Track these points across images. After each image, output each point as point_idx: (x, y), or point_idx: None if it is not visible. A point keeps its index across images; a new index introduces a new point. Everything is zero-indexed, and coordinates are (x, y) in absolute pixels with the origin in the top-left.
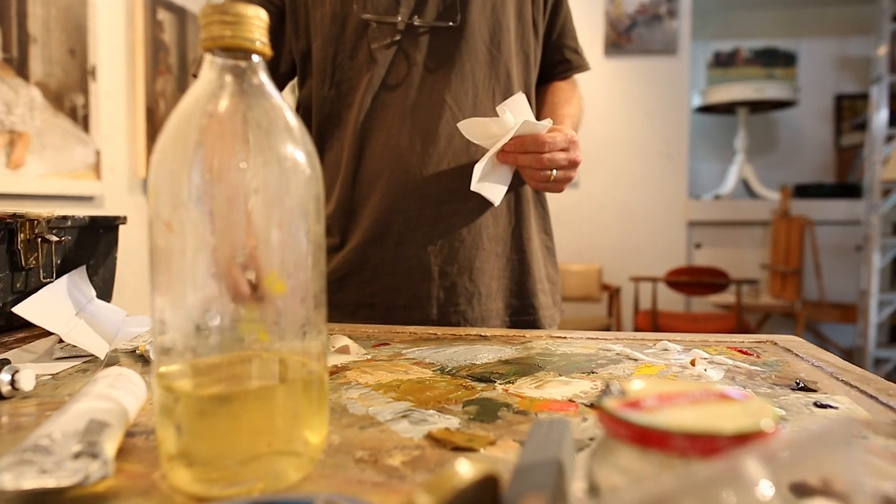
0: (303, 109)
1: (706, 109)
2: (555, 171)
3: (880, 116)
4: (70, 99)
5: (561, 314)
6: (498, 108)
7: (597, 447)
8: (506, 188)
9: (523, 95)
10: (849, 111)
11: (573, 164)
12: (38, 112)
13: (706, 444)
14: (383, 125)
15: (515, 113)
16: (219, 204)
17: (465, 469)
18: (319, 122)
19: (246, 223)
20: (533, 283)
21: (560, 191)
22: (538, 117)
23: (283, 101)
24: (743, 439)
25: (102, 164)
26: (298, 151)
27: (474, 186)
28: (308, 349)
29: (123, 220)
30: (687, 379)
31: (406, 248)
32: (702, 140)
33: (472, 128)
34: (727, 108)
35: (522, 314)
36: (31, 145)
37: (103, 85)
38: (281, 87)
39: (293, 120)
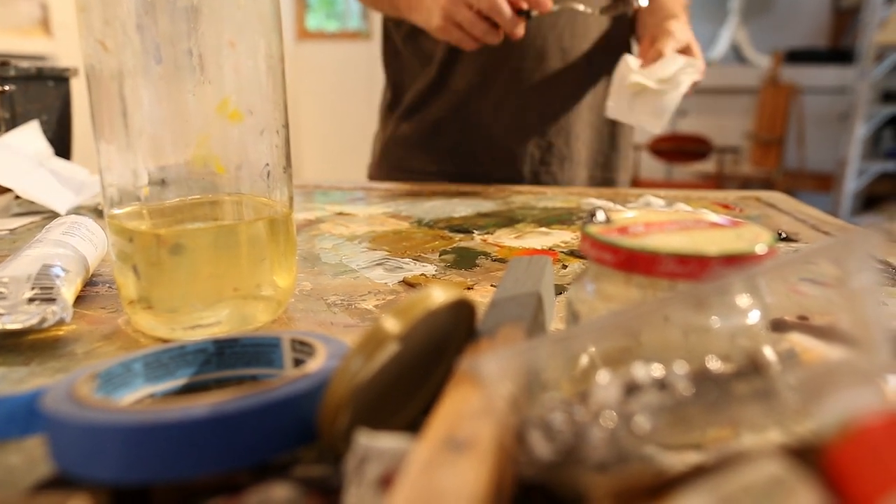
0: None
1: None
2: None
3: None
4: None
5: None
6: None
7: (578, 276)
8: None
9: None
10: None
11: None
12: None
13: (695, 266)
14: None
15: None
16: (160, 24)
17: (438, 293)
18: None
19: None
20: (618, 159)
21: None
22: None
23: None
24: (734, 260)
25: (52, 18)
26: None
27: (657, 129)
28: (272, 189)
29: (75, 71)
30: None
31: (509, 100)
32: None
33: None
34: None
35: (601, 185)
36: None
37: None
38: None
39: None
